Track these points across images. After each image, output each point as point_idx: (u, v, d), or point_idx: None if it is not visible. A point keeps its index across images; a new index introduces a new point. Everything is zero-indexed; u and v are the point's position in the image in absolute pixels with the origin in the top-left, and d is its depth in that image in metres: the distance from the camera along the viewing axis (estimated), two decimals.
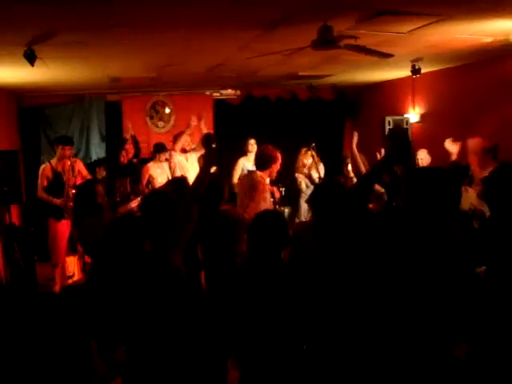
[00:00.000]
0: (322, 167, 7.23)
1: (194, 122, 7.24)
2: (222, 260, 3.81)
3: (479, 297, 2.38)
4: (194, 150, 7.48)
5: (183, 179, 4.75)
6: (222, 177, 7.74)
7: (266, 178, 5.35)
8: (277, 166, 5.40)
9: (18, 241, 7.00)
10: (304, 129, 9.94)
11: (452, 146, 6.62)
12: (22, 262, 6.81)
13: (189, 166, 7.20)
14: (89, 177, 6.95)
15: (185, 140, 7.24)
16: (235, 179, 7.47)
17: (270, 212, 3.36)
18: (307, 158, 7.26)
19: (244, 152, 7.78)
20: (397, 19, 4.52)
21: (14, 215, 7.87)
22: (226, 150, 8.24)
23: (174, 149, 7.16)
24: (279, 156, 5.41)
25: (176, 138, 7.29)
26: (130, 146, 8.32)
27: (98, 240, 4.39)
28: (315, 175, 7.00)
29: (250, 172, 5.57)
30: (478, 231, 2.79)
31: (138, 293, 2.52)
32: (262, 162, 5.38)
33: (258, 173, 5.33)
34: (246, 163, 7.62)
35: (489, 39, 5.52)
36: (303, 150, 7.34)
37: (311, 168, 7.20)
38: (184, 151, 7.21)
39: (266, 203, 5.16)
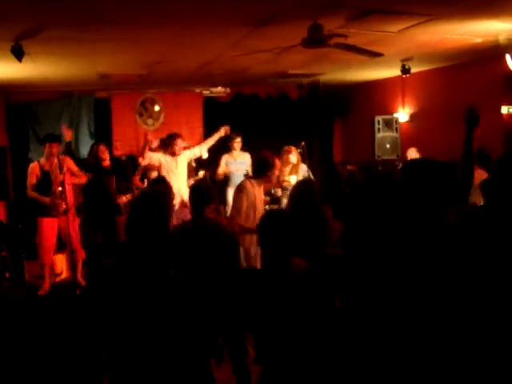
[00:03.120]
0: (303, 168, 7.01)
1: (149, 137, 7.01)
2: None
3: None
4: (185, 147, 7.35)
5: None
6: (211, 179, 7.75)
7: (259, 186, 5.13)
8: (274, 173, 5.20)
9: (5, 238, 6.94)
10: (293, 127, 9.94)
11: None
12: (10, 260, 6.75)
13: (175, 166, 7.01)
14: (79, 173, 6.86)
15: (178, 144, 7.02)
16: (219, 176, 7.63)
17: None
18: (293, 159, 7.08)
19: (228, 148, 7.76)
20: (387, 18, 4.53)
21: (2, 212, 7.81)
22: (214, 149, 8.19)
23: (143, 156, 6.90)
24: (278, 162, 5.21)
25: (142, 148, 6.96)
26: (118, 144, 8.32)
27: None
28: (292, 179, 6.59)
29: (242, 180, 5.43)
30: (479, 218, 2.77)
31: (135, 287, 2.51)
32: (258, 170, 5.22)
33: (249, 181, 5.13)
34: (229, 159, 7.66)
35: (478, 40, 5.55)
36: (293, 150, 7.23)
37: (292, 169, 6.93)
38: (174, 154, 7.02)
39: (258, 210, 4.95)
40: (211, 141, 7.40)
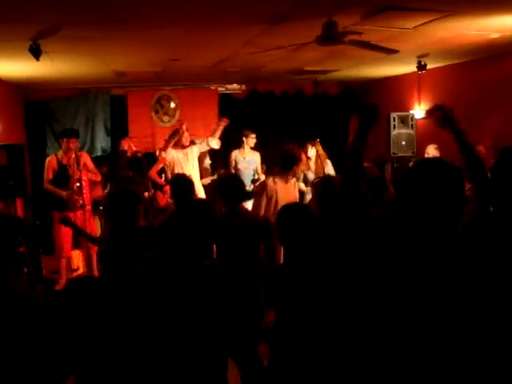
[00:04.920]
0: (328, 164, 7.14)
1: (184, 126, 7.11)
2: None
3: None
4: (193, 143, 7.38)
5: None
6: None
7: (285, 182, 5.14)
8: (299, 168, 5.17)
9: (23, 234, 7.02)
10: (309, 124, 9.93)
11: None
12: (28, 255, 6.84)
13: (186, 162, 7.04)
14: (95, 170, 6.97)
15: (185, 135, 7.09)
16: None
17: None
18: (311, 154, 7.20)
19: (239, 144, 7.77)
20: (402, 15, 4.50)
21: (20, 209, 7.90)
22: (230, 146, 8.22)
23: (165, 150, 6.98)
24: (304, 157, 5.24)
25: (167, 141, 7.06)
26: (134, 140, 8.40)
27: None
28: (310, 176, 6.74)
29: (264, 179, 5.47)
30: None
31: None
32: (284, 165, 5.12)
33: (272, 179, 5.14)
34: (239, 157, 7.68)
35: (495, 35, 5.50)
36: (309, 146, 7.27)
37: (317, 164, 7.09)
38: (183, 147, 7.08)
39: (271, 206, 5.01)
40: (218, 133, 7.38)
